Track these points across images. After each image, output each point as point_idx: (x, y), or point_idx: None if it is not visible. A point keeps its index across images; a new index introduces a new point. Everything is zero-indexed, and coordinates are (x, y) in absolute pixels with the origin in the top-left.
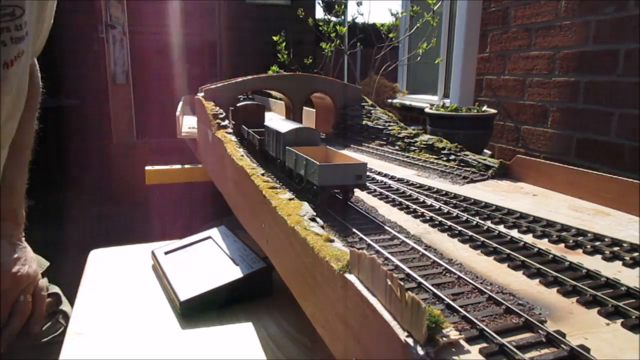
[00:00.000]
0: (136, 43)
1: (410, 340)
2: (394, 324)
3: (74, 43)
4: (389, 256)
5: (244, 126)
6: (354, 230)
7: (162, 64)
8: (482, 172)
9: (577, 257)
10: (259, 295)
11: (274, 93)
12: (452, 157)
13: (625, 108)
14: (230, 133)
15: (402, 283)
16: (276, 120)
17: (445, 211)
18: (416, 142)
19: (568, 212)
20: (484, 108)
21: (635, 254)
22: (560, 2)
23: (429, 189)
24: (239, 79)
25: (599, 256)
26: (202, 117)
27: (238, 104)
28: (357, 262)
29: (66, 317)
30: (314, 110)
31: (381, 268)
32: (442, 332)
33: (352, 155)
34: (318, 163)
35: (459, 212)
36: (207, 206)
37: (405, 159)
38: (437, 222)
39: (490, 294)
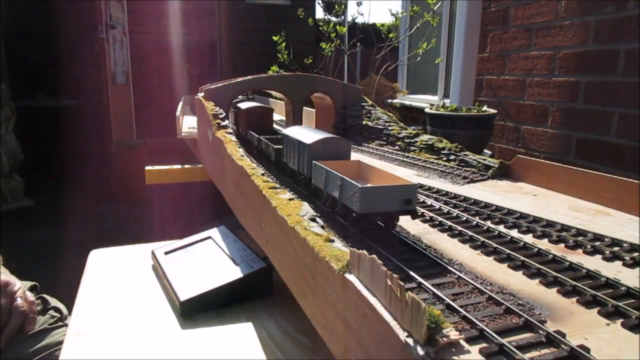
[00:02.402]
0: (136, 43)
1: (410, 340)
2: (394, 324)
3: (74, 43)
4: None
5: (252, 132)
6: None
7: (162, 64)
8: (482, 172)
9: (577, 257)
10: (259, 295)
11: (274, 93)
12: (452, 157)
13: (625, 108)
14: (230, 133)
15: (402, 283)
16: (297, 128)
17: (445, 211)
18: (416, 142)
19: (568, 212)
20: (484, 108)
21: (635, 254)
22: (560, 2)
23: (429, 189)
24: (239, 79)
25: (599, 256)
26: (202, 117)
27: (241, 106)
28: (357, 262)
29: (58, 310)
30: (314, 110)
31: (381, 268)
32: (442, 332)
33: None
34: (359, 185)
35: (459, 212)
36: (207, 206)
37: (405, 159)
38: (437, 222)
39: (490, 294)
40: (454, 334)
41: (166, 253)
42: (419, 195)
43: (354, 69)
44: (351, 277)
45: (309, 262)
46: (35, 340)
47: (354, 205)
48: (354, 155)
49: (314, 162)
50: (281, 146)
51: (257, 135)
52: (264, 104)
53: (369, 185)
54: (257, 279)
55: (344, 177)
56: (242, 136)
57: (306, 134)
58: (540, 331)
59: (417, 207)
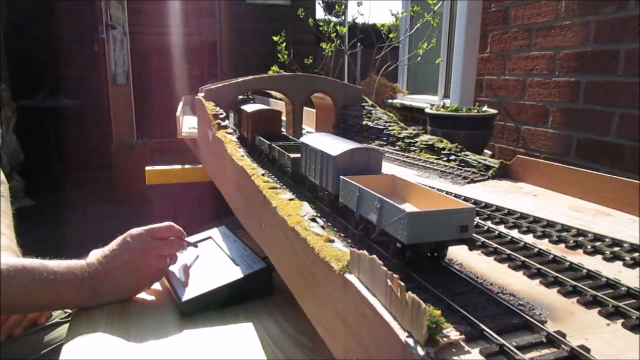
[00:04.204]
0: (136, 43)
1: (410, 341)
2: (394, 324)
3: (74, 43)
4: None
5: (261, 138)
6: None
7: (162, 64)
8: (482, 172)
9: (577, 257)
10: (259, 296)
11: (274, 93)
12: (453, 157)
13: (625, 108)
14: (230, 133)
15: (402, 283)
16: (317, 136)
17: None
18: (416, 142)
19: (568, 212)
20: (484, 108)
21: (636, 254)
22: (560, 2)
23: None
24: (239, 79)
25: (599, 256)
26: (202, 117)
27: (246, 108)
28: (357, 262)
29: None
30: (314, 110)
31: (381, 268)
32: (442, 333)
33: None
34: (405, 210)
35: None
36: (207, 206)
37: (405, 159)
38: None
39: (490, 294)
40: (454, 334)
41: None
42: None
43: (354, 69)
44: (351, 277)
45: (309, 262)
46: (47, 332)
47: (398, 234)
48: None
49: (341, 177)
50: (298, 155)
51: (268, 142)
52: (264, 104)
53: (417, 209)
54: (257, 279)
55: (385, 198)
56: (247, 141)
57: (329, 143)
58: (540, 331)
59: None
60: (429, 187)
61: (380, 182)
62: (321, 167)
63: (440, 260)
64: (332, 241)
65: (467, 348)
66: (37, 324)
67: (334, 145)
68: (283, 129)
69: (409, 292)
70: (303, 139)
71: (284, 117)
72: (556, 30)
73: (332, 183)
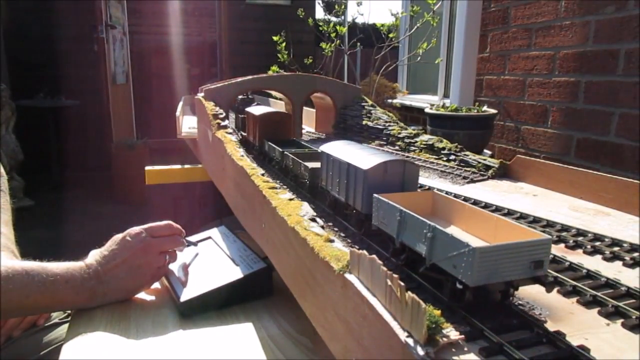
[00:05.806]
0: (136, 43)
1: (410, 341)
2: (394, 324)
3: (74, 43)
4: None
5: (271, 144)
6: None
7: (161, 64)
8: (482, 172)
9: (577, 257)
10: (259, 296)
11: (274, 93)
12: (452, 157)
13: (625, 108)
14: (230, 133)
15: (402, 283)
16: (340, 144)
17: None
18: (416, 142)
19: (568, 212)
20: (484, 108)
21: (635, 254)
22: (560, 2)
23: (429, 189)
24: (239, 79)
25: (599, 256)
26: (202, 117)
27: (253, 111)
28: (357, 262)
29: None
30: (314, 110)
31: (381, 268)
32: (442, 332)
33: None
34: (471, 245)
35: None
36: (207, 206)
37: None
38: None
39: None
40: (454, 334)
41: None
42: None
43: (354, 69)
44: (351, 277)
45: (309, 262)
46: (46, 333)
47: (460, 273)
48: None
49: (375, 195)
50: (318, 165)
51: (280, 149)
52: (264, 104)
53: (482, 242)
54: (257, 279)
55: (439, 227)
56: (254, 146)
57: (356, 153)
58: (540, 331)
59: None
60: (473, 202)
61: (419, 200)
62: (347, 181)
63: (507, 299)
64: (331, 241)
65: (466, 348)
66: (36, 325)
67: (361, 156)
68: None
69: (409, 292)
70: (323, 148)
71: None
72: (556, 30)
73: (362, 201)
